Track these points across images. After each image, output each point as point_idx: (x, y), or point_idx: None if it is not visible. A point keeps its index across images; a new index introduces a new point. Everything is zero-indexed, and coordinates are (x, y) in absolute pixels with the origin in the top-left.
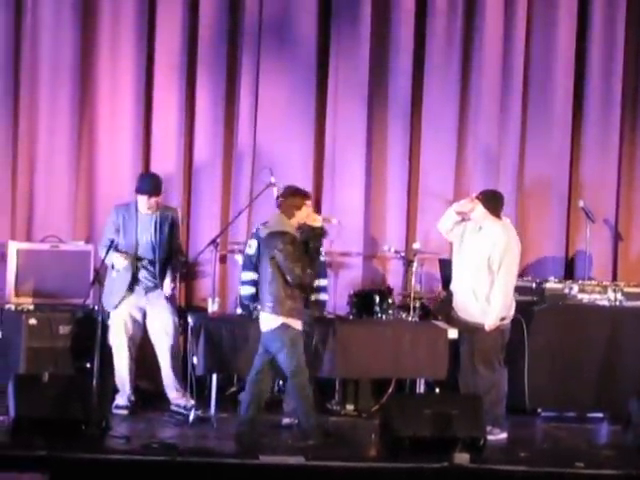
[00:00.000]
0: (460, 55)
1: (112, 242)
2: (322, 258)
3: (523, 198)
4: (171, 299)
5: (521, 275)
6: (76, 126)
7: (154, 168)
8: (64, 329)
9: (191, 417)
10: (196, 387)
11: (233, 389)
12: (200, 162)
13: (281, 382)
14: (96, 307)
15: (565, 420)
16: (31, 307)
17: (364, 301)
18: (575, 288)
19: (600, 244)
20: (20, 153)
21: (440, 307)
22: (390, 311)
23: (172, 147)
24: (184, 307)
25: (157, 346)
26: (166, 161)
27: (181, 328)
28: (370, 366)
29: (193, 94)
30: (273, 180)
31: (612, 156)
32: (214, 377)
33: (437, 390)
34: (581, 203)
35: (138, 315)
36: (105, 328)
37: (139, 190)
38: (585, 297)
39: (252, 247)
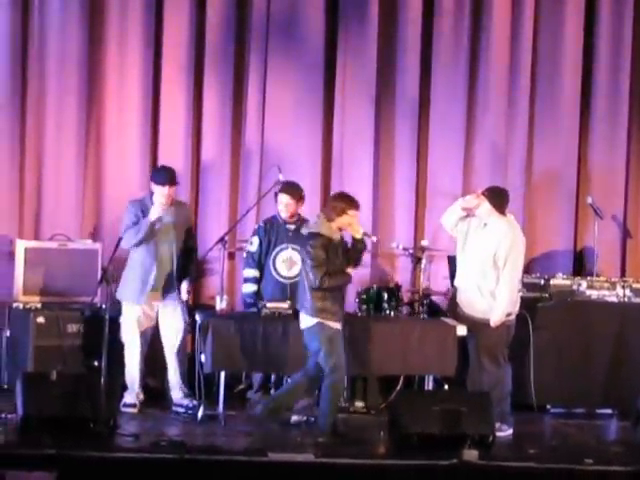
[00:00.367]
0: (467, 53)
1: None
2: None
3: (531, 194)
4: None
5: (528, 271)
6: (83, 124)
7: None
8: (72, 327)
9: (199, 415)
10: (204, 385)
11: (241, 387)
12: (208, 160)
13: (288, 380)
14: (104, 305)
15: (574, 416)
16: (39, 305)
17: (372, 298)
18: (583, 284)
19: (608, 240)
20: (27, 151)
21: (450, 305)
22: (398, 308)
23: (180, 145)
24: (192, 305)
25: (166, 346)
26: (174, 159)
27: (189, 326)
28: (379, 363)
29: (201, 92)
30: (281, 178)
31: (620, 152)
32: (222, 375)
33: (446, 387)
34: (589, 199)
35: (152, 312)
36: (113, 326)
37: (157, 180)
38: (593, 293)
39: (254, 244)
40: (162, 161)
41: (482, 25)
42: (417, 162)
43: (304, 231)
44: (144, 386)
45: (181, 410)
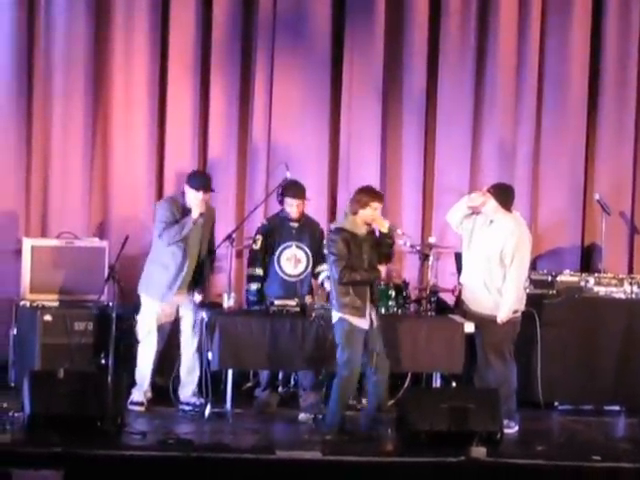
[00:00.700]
0: (474, 51)
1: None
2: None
3: (538, 191)
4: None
5: (535, 267)
6: (90, 123)
7: (169, 165)
8: (79, 325)
9: (206, 413)
10: (211, 383)
11: (249, 384)
12: (215, 158)
13: (297, 377)
14: (111, 303)
15: (581, 413)
16: (46, 303)
17: (380, 296)
18: (591, 281)
19: (616, 237)
20: (34, 150)
21: (458, 302)
22: (406, 305)
23: (186, 144)
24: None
25: (184, 345)
26: (181, 158)
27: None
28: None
29: (207, 90)
30: (289, 175)
31: (628, 148)
32: (229, 373)
33: (453, 384)
34: (597, 196)
35: (172, 310)
36: (120, 323)
37: (192, 184)
38: (601, 290)
39: (258, 242)
40: (169, 159)
41: (489, 23)
42: (424, 159)
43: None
44: (152, 384)
45: (188, 408)
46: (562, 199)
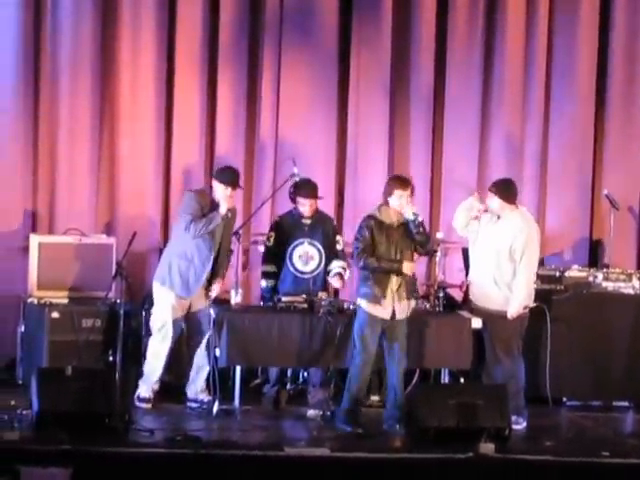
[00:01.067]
0: (482, 48)
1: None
2: (339, 247)
3: (546, 186)
4: None
5: (543, 263)
6: (97, 121)
7: (176, 161)
8: (87, 322)
9: (214, 410)
10: (219, 379)
11: (257, 381)
12: (222, 156)
13: (305, 373)
14: (119, 300)
15: (590, 409)
16: (54, 300)
17: None
18: (599, 276)
19: (624, 232)
20: (41, 146)
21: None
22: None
23: (194, 140)
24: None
25: (193, 340)
26: (188, 156)
27: None
28: None
29: (214, 89)
30: (296, 171)
31: (636, 143)
32: (238, 369)
33: (462, 380)
34: (605, 191)
35: (187, 304)
36: (128, 320)
37: (220, 179)
38: (609, 285)
39: (271, 239)
40: (176, 156)
41: (496, 20)
42: (432, 156)
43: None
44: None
45: (196, 405)
46: (570, 194)
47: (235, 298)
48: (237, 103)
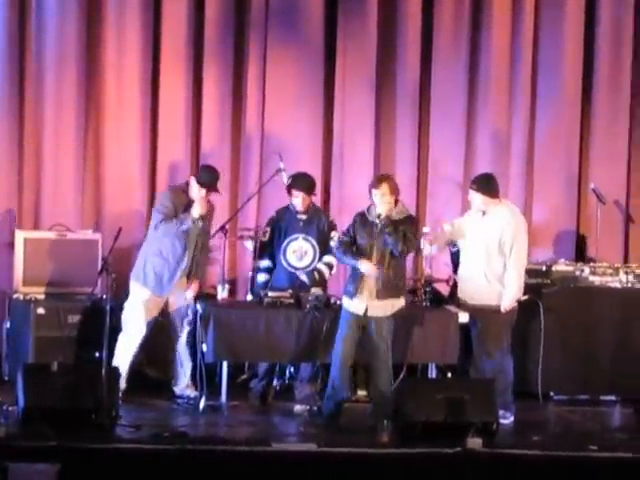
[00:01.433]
0: (468, 44)
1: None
2: (332, 243)
3: (533, 182)
4: None
5: (530, 257)
6: (83, 115)
7: (162, 157)
8: (73, 318)
9: (201, 405)
10: (206, 375)
11: (244, 376)
12: (208, 152)
13: (292, 369)
14: (104, 296)
15: (578, 403)
16: (39, 296)
17: None
18: (586, 270)
19: (611, 226)
20: (26, 142)
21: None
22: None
23: (180, 137)
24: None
25: (175, 337)
26: (174, 151)
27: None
28: None
29: (200, 86)
30: (282, 166)
31: (622, 137)
32: (224, 365)
33: (449, 375)
34: (592, 185)
35: (162, 301)
36: (114, 316)
37: (198, 179)
38: (596, 279)
39: (266, 234)
40: (162, 152)
41: (482, 16)
42: (418, 151)
43: None
44: (144, 375)
45: (182, 401)
46: (557, 189)
47: (222, 293)
48: (223, 100)
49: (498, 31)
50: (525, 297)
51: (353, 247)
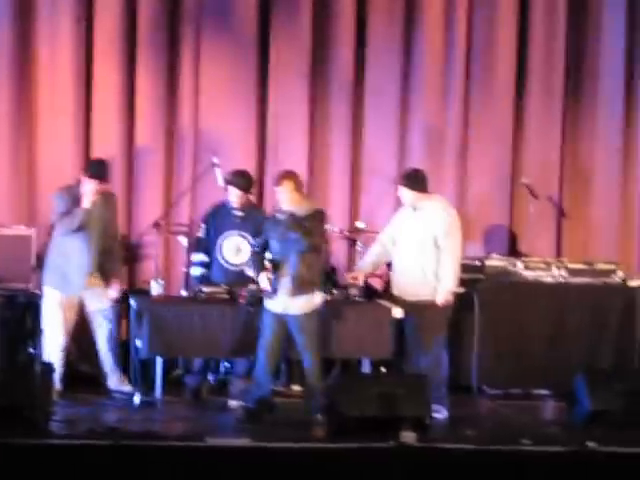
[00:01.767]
0: (402, 36)
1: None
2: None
3: (466, 176)
4: None
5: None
6: (15, 109)
7: (95, 151)
8: (6, 314)
9: (136, 401)
10: (140, 371)
11: (178, 371)
12: (142, 144)
13: (227, 364)
14: (38, 291)
15: (511, 397)
16: None
17: None
18: (519, 265)
19: (543, 220)
20: None
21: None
22: (334, 291)
23: (113, 130)
24: (127, 290)
25: (95, 330)
26: (107, 144)
27: (123, 312)
28: None
29: (133, 76)
30: (216, 161)
31: (555, 132)
32: (159, 360)
33: (383, 370)
34: (524, 179)
35: (77, 300)
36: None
37: (87, 174)
38: (529, 274)
39: (201, 229)
40: (95, 146)
41: (416, 7)
42: (352, 143)
43: None
44: (77, 371)
45: (117, 396)
46: (490, 183)
47: (156, 289)
48: (156, 95)
49: (432, 24)
50: (462, 289)
51: (263, 256)
